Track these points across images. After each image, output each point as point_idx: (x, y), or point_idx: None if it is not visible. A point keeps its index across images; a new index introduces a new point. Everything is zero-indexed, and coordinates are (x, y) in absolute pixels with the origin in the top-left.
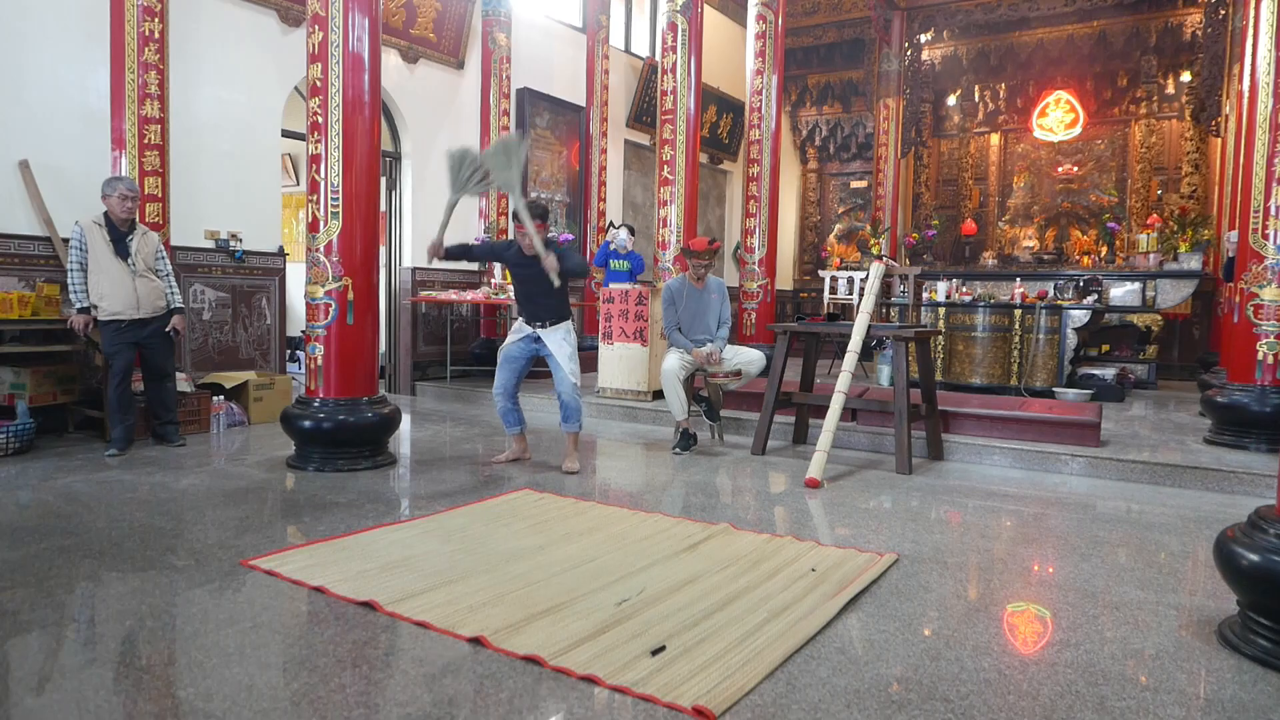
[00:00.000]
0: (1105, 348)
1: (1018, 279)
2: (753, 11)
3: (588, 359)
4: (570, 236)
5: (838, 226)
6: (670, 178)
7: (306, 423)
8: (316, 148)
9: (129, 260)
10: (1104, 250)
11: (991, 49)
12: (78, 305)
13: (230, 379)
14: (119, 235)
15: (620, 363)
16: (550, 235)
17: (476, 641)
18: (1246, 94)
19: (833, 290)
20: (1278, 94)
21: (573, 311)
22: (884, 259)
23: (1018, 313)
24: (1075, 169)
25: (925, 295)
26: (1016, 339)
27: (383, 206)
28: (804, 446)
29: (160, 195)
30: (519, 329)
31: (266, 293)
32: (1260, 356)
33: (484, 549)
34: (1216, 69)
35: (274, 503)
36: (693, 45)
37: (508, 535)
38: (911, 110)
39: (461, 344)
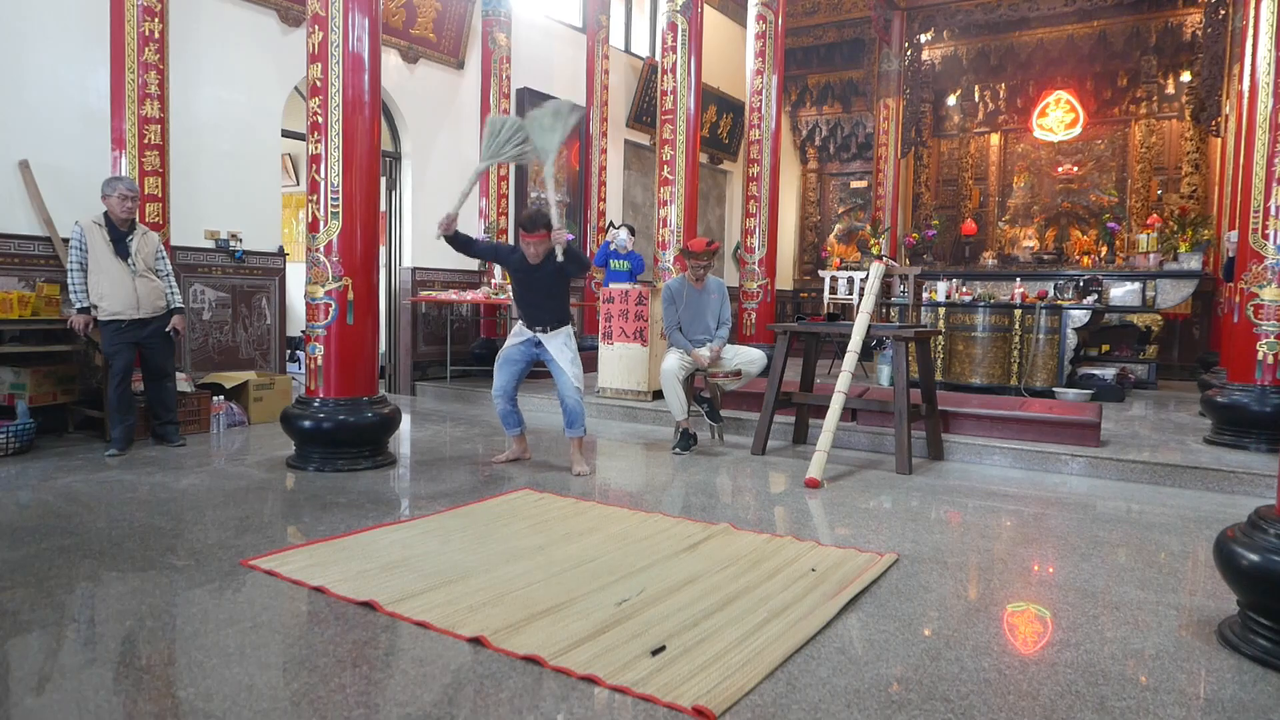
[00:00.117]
0: (1105, 348)
1: (1018, 279)
2: (753, 11)
3: (588, 359)
4: (570, 236)
5: (838, 226)
6: (670, 178)
7: (306, 423)
8: (316, 148)
9: (129, 260)
10: (1104, 250)
11: (991, 49)
12: (78, 305)
13: (230, 379)
14: (119, 235)
15: (620, 363)
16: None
17: (476, 641)
18: (1246, 94)
19: (833, 290)
20: (1278, 94)
21: (572, 315)
22: (884, 259)
23: (1018, 313)
24: (1075, 169)
25: (925, 295)
26: (1016, 339)
27: (383, 206)
28: (804, 446)
29: (160, 195)
30: (519, 332)
31: (266, 293)
32: (1260, 356)
33: (484, 549)
34: (1216, 69)
35: (274, 503)
36: (693, 45)
37: (508, 535)
38: (911, 110)
39: (461, 344)
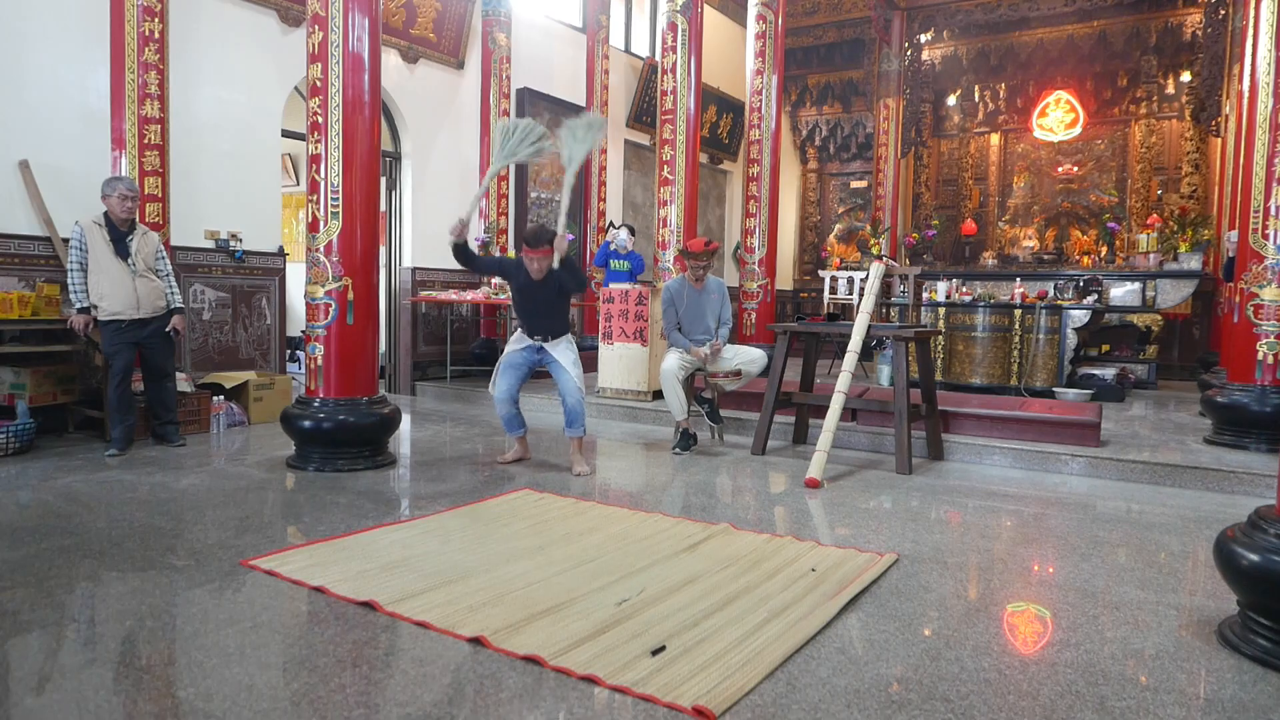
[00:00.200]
0: (1105, 348)
1: (1018, 279)
2: (753, 11)
3: (588, 359)
4: (570, 236)
5: (838, 226)
6: (670, 178)
7: (306, 423)
8: (316, 148)
9: (129, 260)
10: (1104, 250)
11: (991, 49)
12: (78, 305)
13: (230, 379)
14: (119, 235)
15: (620, 363)
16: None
17: (476, 641)
18: (1246, 94)
19: (833, 290)
20: (1278, 94)
21: (572, 324)
22: (884, 259)
23: (1018, 313)
24: (1075, 169)
25: (925, 295)
26: (1016, 339)
27: (383, 206)
28: (804, 446)
29: (160, 195)
30: (520, 339)
31: (266, 293)
32: (1260, 356)
33: (484, 549)
34: (1216, 69)
35: (274, 503)
36: (693, 45)
37: (508, 535)
38: (911, 110)
39: (461, 344)
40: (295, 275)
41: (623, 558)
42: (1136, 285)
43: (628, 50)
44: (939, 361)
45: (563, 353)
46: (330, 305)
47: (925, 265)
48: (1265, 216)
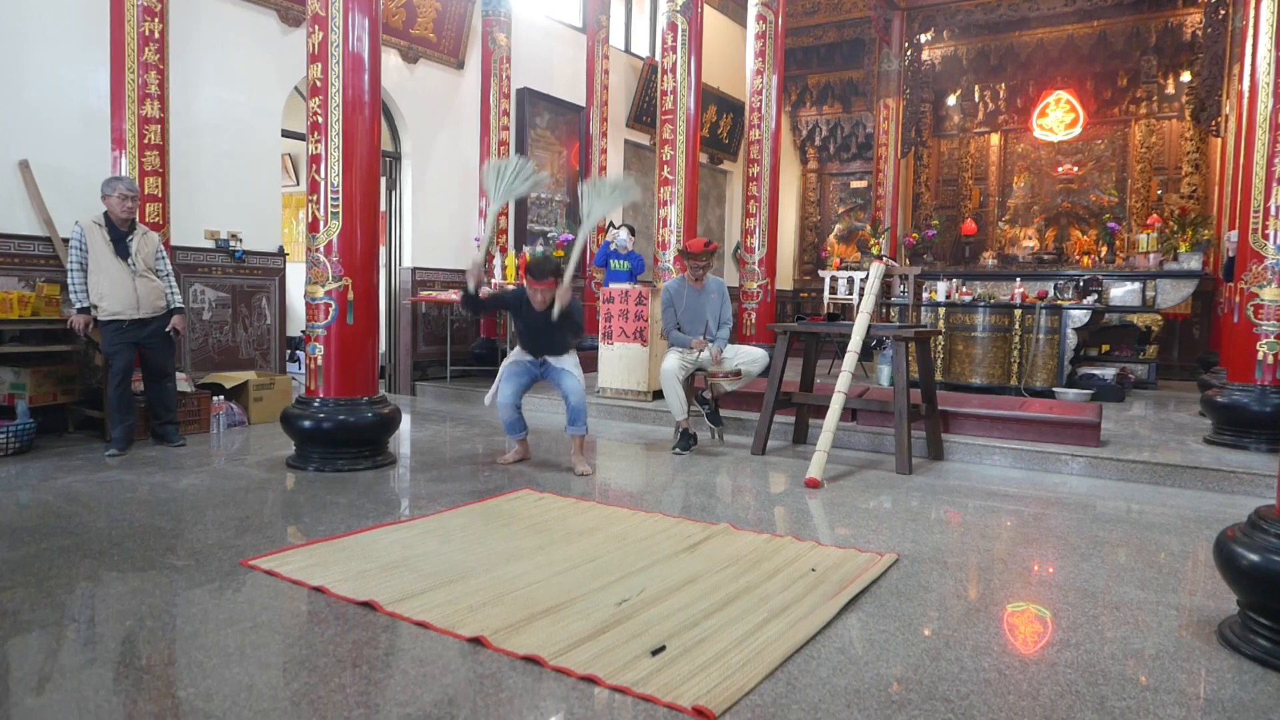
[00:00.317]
0: (1105, 348)
1: (1018, 279)
2: (753, 11)
3: (588, 359)
4: (570, 236)
5: (838, 226)
6: (670, 178)
7: (306, 423)
8: (316, 148)
9: (129, 260)
10: (1104, 250)
11: (991, 49)
12: (78, 305)
13: (230, 379)
14: (119, 235)
15: (620, 363)
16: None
17: (476, 641)
18: (1246, 94)
19: (833, 290)
20: (1278, 94)
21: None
22: (884, 259)
23: (1018, 313)
24: (1075, 169)
25: (925, 295)
26: (1016, 339)
27: (383, 206)
28: (804, 446)
29: (160, 195)
30: (522, 355)
31: (266, 293)
32: (1260, 356)
33: (484, 549)
34: (1216, 69)
35: (274, 503)
36: (693, 45)
37: (508, 535)
38: (911, 110)
39: (461, 344)
40: (295, 275)
41: (623, 558)
42: (1136, 285)
43: (628, 50)
44: (939, 361)
45: (564, 360)
46: (330, 305)
47: (925, 265)
48: (1265, 216)
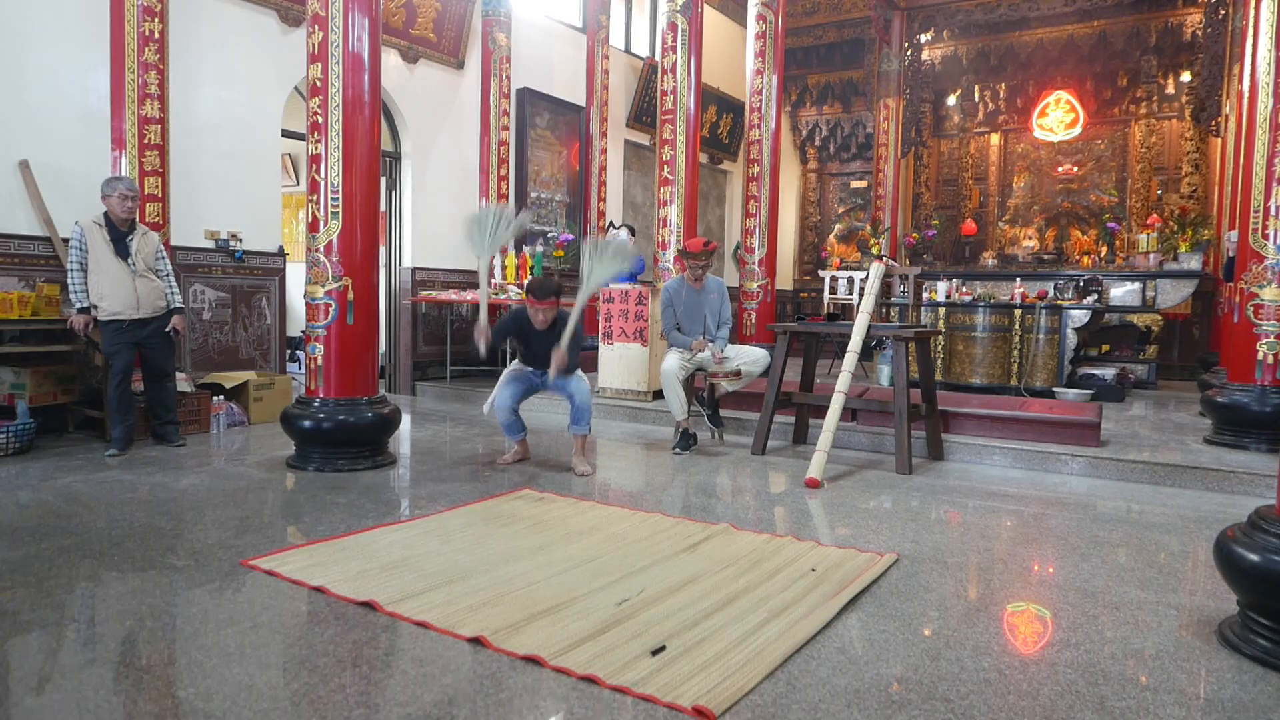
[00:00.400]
0: (1105, 348)
1: (1018, 279)
2: (753, 11)
3: (588, 359)
4: (570, 237)
5: (838, 226)
6: (670, 178)
7: (306, 423)
8: (316, 148)
9: (129, 260)
10: (1104, 250)
11: (991, 49)
12: (78, 305)
13: (230, 379)
14: (119, 235)
15: (620, 363)
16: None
17: (476, 641)
18: (1246, 94)
19: (833, 290)
20: (1278, 94)
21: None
22: (884, 259)
23: (1018, 313)
24: (1075, 169)
25: (925, 295)
26: (1016, 339)
27: (383, 206)
28: (804, 446)
29: (160, 195)
30: (524, 365)
31: (266, 293)
32: (1260, 356)
33: (484, 549)
34: (1216, 69)
35: (274, 503)
36: (693, 45)
37: (508, 535)
38: (911, 110)
39: (461, 344)
40: (295, 275)
41: (623, 558)
42: (1136, 285)
43: (628, 50)
44: (939, 361)
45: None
46: (330, 305)
47: (925, 265)
48: (1265, 216)
